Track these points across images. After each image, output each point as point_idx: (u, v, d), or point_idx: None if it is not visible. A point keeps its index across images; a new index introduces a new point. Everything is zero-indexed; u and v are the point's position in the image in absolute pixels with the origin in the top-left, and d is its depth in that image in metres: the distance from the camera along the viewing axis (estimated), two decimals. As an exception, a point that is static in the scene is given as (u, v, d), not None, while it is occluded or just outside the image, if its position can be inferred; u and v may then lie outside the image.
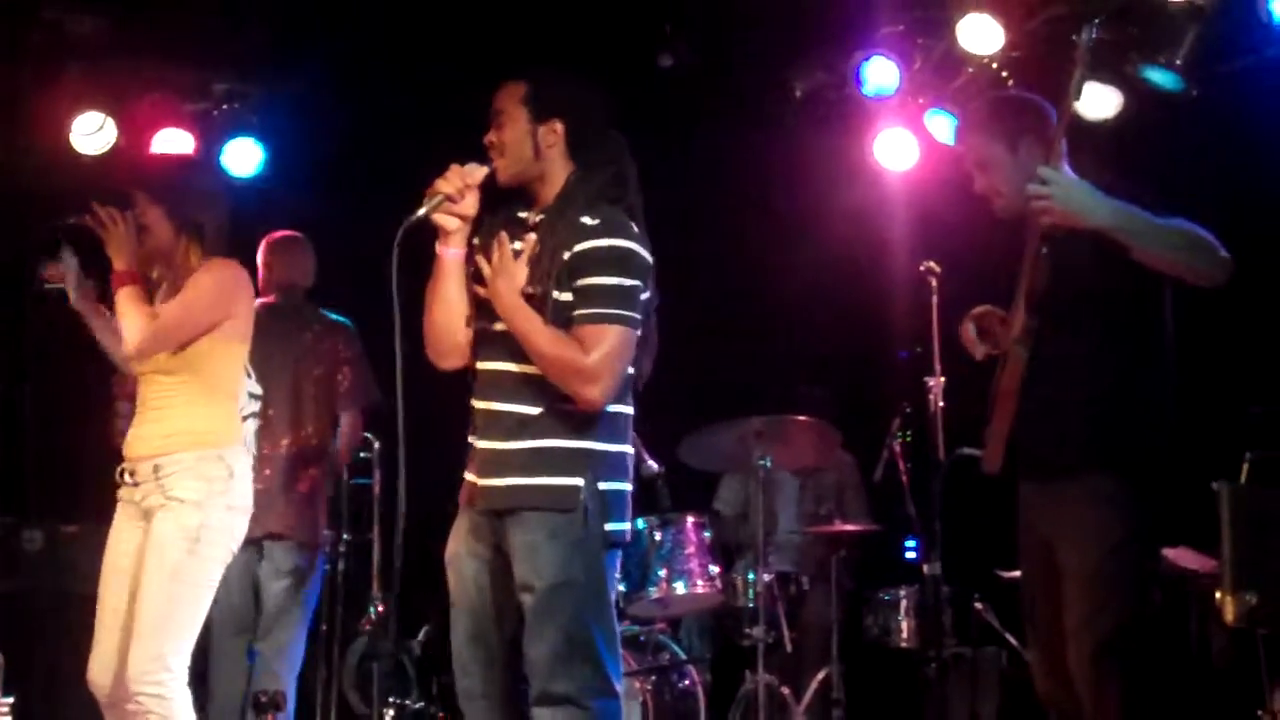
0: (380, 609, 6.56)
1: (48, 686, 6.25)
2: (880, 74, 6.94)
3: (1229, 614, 4.82)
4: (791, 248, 7.46)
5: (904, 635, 6.63)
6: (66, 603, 6.76)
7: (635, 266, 3.76)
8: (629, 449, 3.86)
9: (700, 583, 6.28)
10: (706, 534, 6.38)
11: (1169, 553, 5.44)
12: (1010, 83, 6.67)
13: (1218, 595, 4.91)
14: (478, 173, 3.81)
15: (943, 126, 6.97)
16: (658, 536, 6.30)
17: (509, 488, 3.74)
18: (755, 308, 7.66)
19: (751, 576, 6.39)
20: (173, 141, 7.14)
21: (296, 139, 7.25)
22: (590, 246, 3.72)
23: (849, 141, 7.29)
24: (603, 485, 3.73)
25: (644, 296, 3.81)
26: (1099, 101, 6.44)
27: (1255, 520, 4.86)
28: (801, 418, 6.45)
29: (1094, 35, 4.01)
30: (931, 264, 5.85)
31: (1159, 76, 6.27)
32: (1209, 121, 6.37)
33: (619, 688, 3.73)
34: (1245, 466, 5.22)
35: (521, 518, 3.71)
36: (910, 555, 7.11)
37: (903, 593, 6.67)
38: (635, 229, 3.81)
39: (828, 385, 7.34)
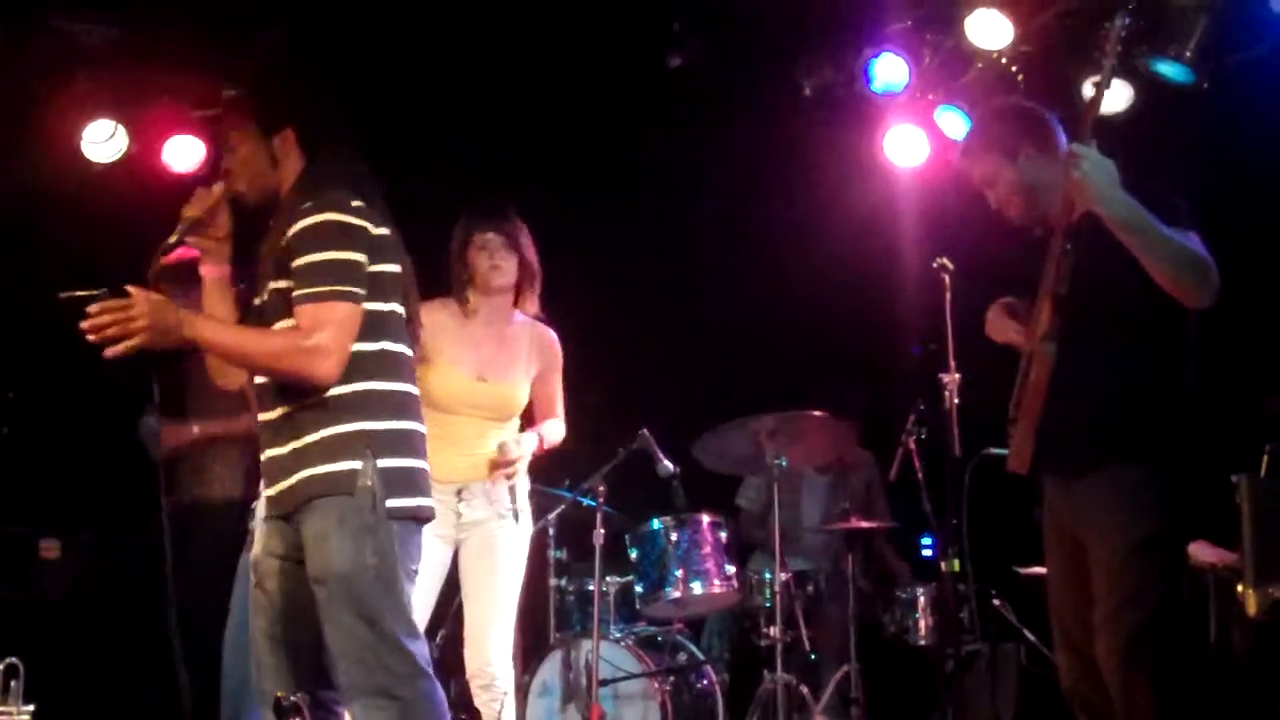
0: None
1: (67, 694, 6.26)
2: (889, 70, 6.93)
3: (1251, 608, 4.81)
4: (802, 246, 7.46)
5: (921, 633, 6.62)
6: (84, 610, 6.80)
7: (345, 237, 3.68)
8: (416, 426, 3.81)
9: (717, 582, 6.29)
10: (723, 533, 6.39)
11: (1189, 547, 5.42)
12: (1020, 78, 6.67)
13: (1239, 589, 4.90)
14: (216, 190, 3.87)
15: (953, 122, 6.96)
16: (674, 536, 6.31)
17: (293, 485, 3.71)
18: (767, 306, 7.66)
19: (768, 575, 6.39)
20: (183, 148, 7.17)
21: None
22: (301, 226, 3.67)
23: (859, 139, 7.28)
24: (384, 463, 3.68)
25: (384, 268, 3.75)
26: (1110, 96, 6.41)
27: (1276, 513, 4.85)
28: (815, 413, 6.45)
29: (1126, 22, 4.00)
30: (944, 260, 5.84)
31: (1169, 69, 6.27)
32: (1220, 113, 6.36)
33: (427, 666, 3.69)
34: (1265, 458, 5.20)
35: (310, 508, 3.69)
36: (926, 553, 7.10)
37: (919, 590, 6.67)
38: (355, 204, 3.72)
39: (855, 380, 7.33)
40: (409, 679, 3.65)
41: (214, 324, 3.74)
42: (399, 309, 3.81)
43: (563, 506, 6.32)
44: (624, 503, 6.37)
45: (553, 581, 6.46)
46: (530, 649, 6.35)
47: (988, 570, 6.29)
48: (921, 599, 6.62)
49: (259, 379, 3.82)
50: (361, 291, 3.69)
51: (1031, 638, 6.31)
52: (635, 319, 7.80)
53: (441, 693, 3.74)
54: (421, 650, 3.71)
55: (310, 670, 3.77)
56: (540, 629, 6.44)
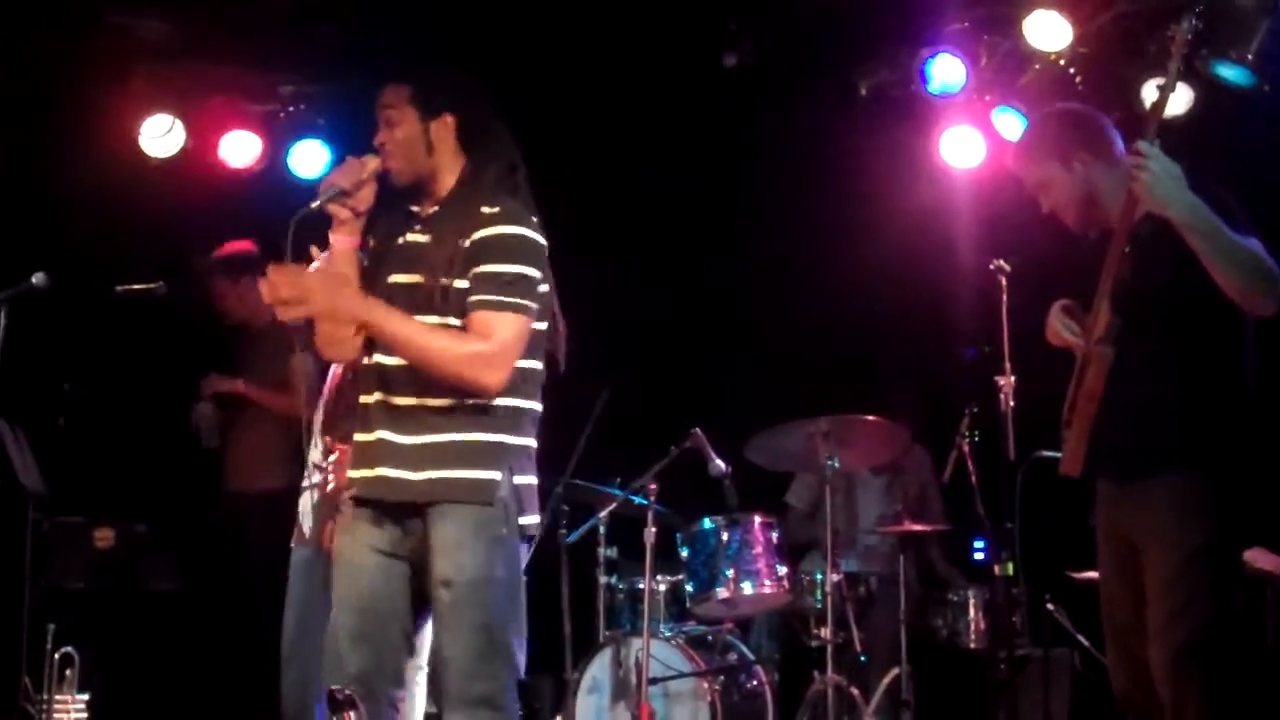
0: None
1: (122, 683, 6.32)
2: (946, 71, 6.90)
3: (1313, 617, 4.76)
4: (857, 247, 7.43)
5: (973, 636, 6.58)
6: (137, 601, 6.86)
7: (533, 255, 3.80)
8: (535, 444, 3.90)
9: (768, 583, 6.28)
10: (774, 534, 6.37)
11: (1246, 554, 5.37)
12: (1078, 80, 6.63)
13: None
14: (371, 164, 3.88)
15: (1010, 124, 6.91)
16: (725, 536, 6.30)
17: (426, 481, 3.74)
18: (821, 306, 7.63)
19: (820, 576, 6.37)
20: (240, 143, 7.21)
21: (363, 140, 7.27)
22: (489, 234, 3.77)
23: (915, 139, 7.25)
24: (517, 479, 3.78)
25: (543, 288, 3.85)
26: (1170, 99, 6.36)
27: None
28: (869, 417, 6.42)
29: (1194, 23, 3.97)
30: (1001, 262, 5.80)
31: (1230, 72, 6.21)
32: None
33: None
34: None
35: (443, 511, 3.73)
36: (979, 556, 7.06)
37: (971, 593, 6.63)
38: (534, 219, 3.84)
39: (908, 381, 7.32)
40: (511, 695, 3.73)
41: (393, 313, 3.75)
42: (544, 326, 3.89)
43: (614, 504, 6.32)
44: (675, 501, 6.37)
45: (603, 579, 6.46)
46: (580, 646, 6.35)
47: (1042, 574, 6.25)
48: (974, 602, 6.59)
49: (387, 360, 3.82)
50: (536, 308, 3.79)
51: (1085, 643, 6.26)
52: (689, 317, 7.79)
53: None
54: (522, 667, 3.79)
55: (389, 667, 3.81)
56: (590, 626, 6.44)
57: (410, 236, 3.89)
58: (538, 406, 3.91)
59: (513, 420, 3.82)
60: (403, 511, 3.79)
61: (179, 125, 7.13)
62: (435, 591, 3.72)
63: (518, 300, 3.74)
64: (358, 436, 3.88)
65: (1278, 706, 5.13)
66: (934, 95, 6.97)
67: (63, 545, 6.61)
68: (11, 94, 6.77)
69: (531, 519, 3.85)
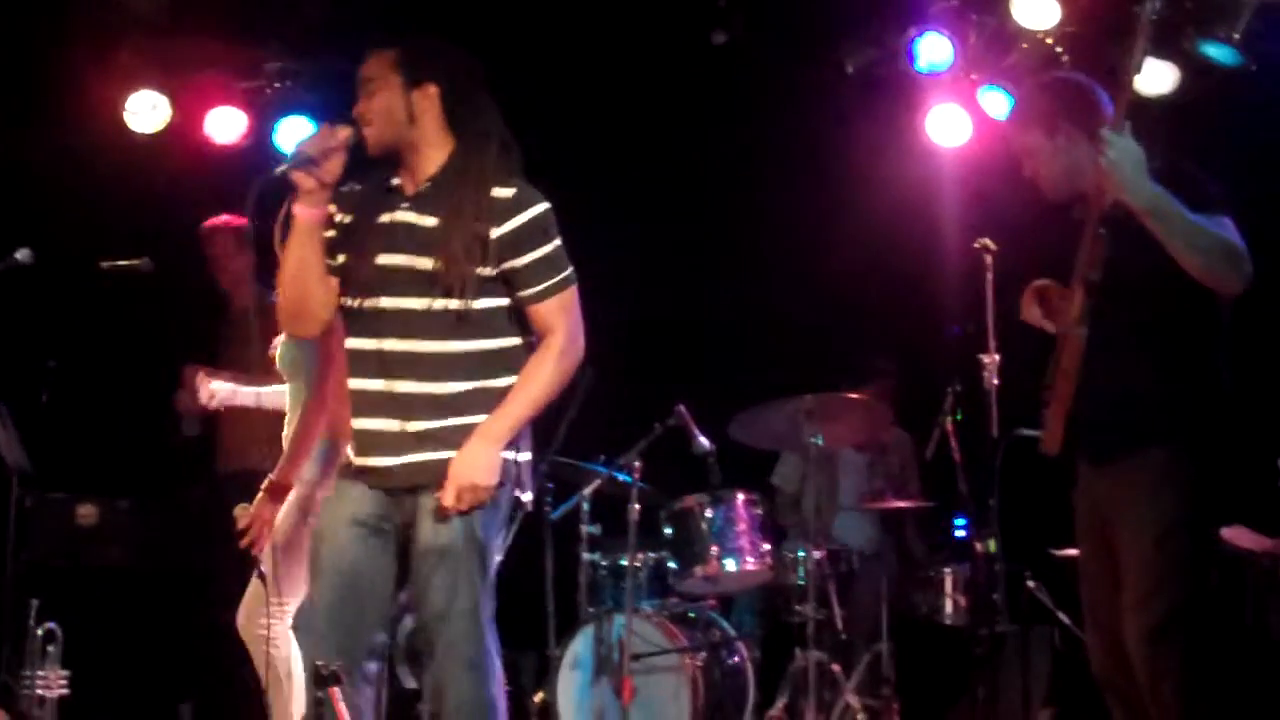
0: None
1: (104, 659, 6.31)
2: (933, 50, 6.90)
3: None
4: (843, 225, 7.44)
5: (953, 612, 6.61)
6: (120, 577, 6.85)
7: (556, 226, 3.85)
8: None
9: (750, 560, 6.29)
10: (757, 511, 6.38)
11: (1226, 532, 5.37)
12: (1066, 59, 6.62)
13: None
14: (342, 134, 3.78)
15: (996, 103, 6.92)
16: (709, 514, 6.31)
17: (440, 463, 3.71)
18: (806, 285, 7.64)
19: (802, 554, 6.39)
20: (226, 120, 7.19)
21: (350, 117, 7.26)
22: (522, 222, 3.76)
23: (901, 118, 7.25)
24: (520, 457, 3.81)
25: None
26: (1156, 77, 6.39)
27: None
28: (852, 395, 6.43)
29: (1157, 6, 3.95)
30: (986, 241, 5.81)
31: (1217, 51, 6.22)
32: (1267, 96, 6.30)
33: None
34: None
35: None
36: (960, 533, 7.08)
37: (949, 570, 6.66)
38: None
39: (893, 355, 7.34)
40: (491, 654, 3.74)
41: (510, 413, 3.75)
42: None
43: (598, 482, 6.32)
44: (659, 479, 6.37)
45: (585, 556, 6.45)
46: (562, 623, 6.36)
47: (1023, 552, 6.27)
48: (952, 579, 6.62)
49: (372, 343, 3.77)
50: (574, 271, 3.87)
51: (1065, 620, 6.28)
52: (673, 295, 7.79)
53: None
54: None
55: (362, 641, 3.80)
56: (572, 603, 6.44)
57: (400, 215, 3.80)
58: None
59: None
60: (402, 492, 3.78)
61: (164, 101, 7.11)
62: (422, 557, 3.71)
63: (566, 274, 3.83)
64: (362, 423, 3.81)
65: (1254, 685, 5.16)
66: (921, 74, 6.97)
67: (45, 521, 6.61)
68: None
69: (527, 495, 3.87)
